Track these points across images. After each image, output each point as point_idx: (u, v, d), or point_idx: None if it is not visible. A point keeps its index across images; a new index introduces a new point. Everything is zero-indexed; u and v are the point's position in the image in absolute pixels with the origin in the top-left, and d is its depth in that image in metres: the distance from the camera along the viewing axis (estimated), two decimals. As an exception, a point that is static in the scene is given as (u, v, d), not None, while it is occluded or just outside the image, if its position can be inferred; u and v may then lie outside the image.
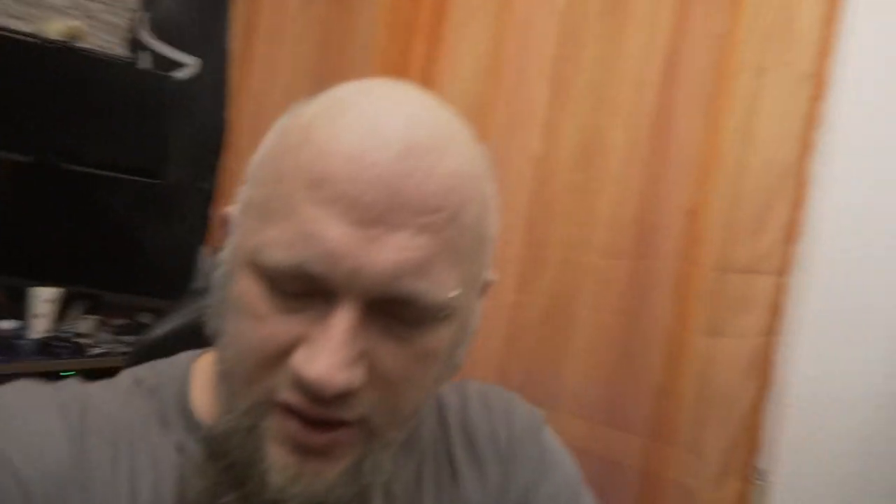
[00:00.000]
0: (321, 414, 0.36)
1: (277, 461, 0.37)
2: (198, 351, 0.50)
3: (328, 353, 0.34)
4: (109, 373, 0.49)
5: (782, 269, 1.08)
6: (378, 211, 0.34)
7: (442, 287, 0.36)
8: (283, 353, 0.36)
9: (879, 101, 1.05)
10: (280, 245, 0.35)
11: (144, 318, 2.11)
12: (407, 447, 0.45)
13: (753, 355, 1.08)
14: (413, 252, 0.34)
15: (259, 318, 0.37)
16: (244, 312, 0.38)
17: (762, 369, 1.08)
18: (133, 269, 2.07)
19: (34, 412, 0.41)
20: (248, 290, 0.37)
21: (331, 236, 0.34)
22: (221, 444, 0.38)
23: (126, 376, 0.48)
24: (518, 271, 1.28)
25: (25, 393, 0.43)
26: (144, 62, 2.22)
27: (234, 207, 0.43)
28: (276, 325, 0.36)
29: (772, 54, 1.10)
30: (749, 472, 1.12)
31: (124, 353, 1.85)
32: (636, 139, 1.22)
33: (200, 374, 0.47)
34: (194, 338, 0.50)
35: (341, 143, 0.35)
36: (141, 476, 0.41)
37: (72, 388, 0.45)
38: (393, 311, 0.36)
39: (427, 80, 1.54)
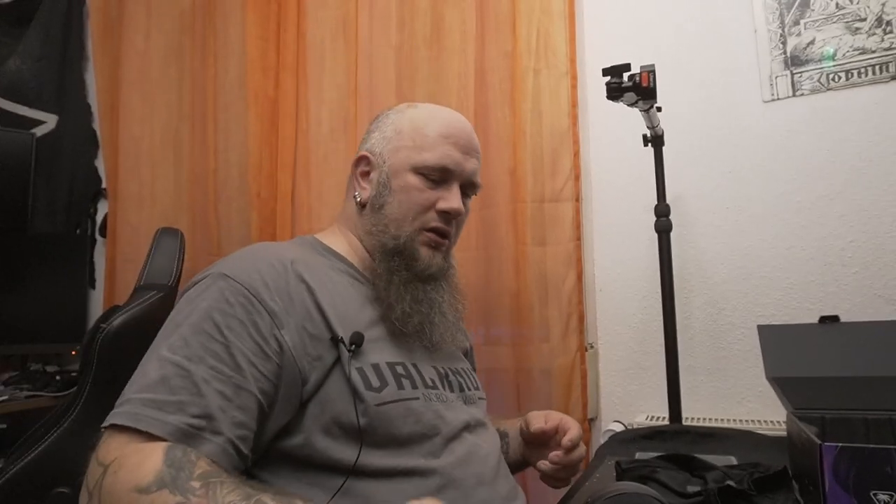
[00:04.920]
0: (445, 229, 0.91)
1: (425, 252, 0.90)
2: (307, 236, 0.96)
3: (454, 199, 0.90)
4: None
5: (575, 197, 1.64)
6: (468, 148, 0.92)
7: (479, 180, 0.95)
8: (430, 206, 0.90)
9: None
10: (435, 157, 0.89)
11: (36, 366, 2.14)
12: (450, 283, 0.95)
13: (567, 255, 1.61)
14: (475, 165, 0.94)
15: (420, 190, 0.89)
16: (409, 190, 0.89)
17: (575, 263, 1.62)
18: (18, 318, 2.09)
19: (265, 257, 0.80)
20: (411, 180, 0.90)
21: (454, 156, 0.90)
22: (396, 247, 0.88)
23: (293, 241, 0.95)
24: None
25: (262, 247, 0.87)
26: (-6, 124, 2.26)
27: (371, 154, 0.93)
28: (427, 194, 0.90)
29: (542, 62, 1.68)
30: (582, 343, 1.63)
31: (29, 397, 1.90)
32: (466, 129, 1.73)
33: (328, 237, 0.95)
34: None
35: (452, 122, 0.93)
36: (325, 288, 0.81)
37: (278, 245, 0.90)
38: (466, 190, 0.94)
39: (300, 105, 1.93)
